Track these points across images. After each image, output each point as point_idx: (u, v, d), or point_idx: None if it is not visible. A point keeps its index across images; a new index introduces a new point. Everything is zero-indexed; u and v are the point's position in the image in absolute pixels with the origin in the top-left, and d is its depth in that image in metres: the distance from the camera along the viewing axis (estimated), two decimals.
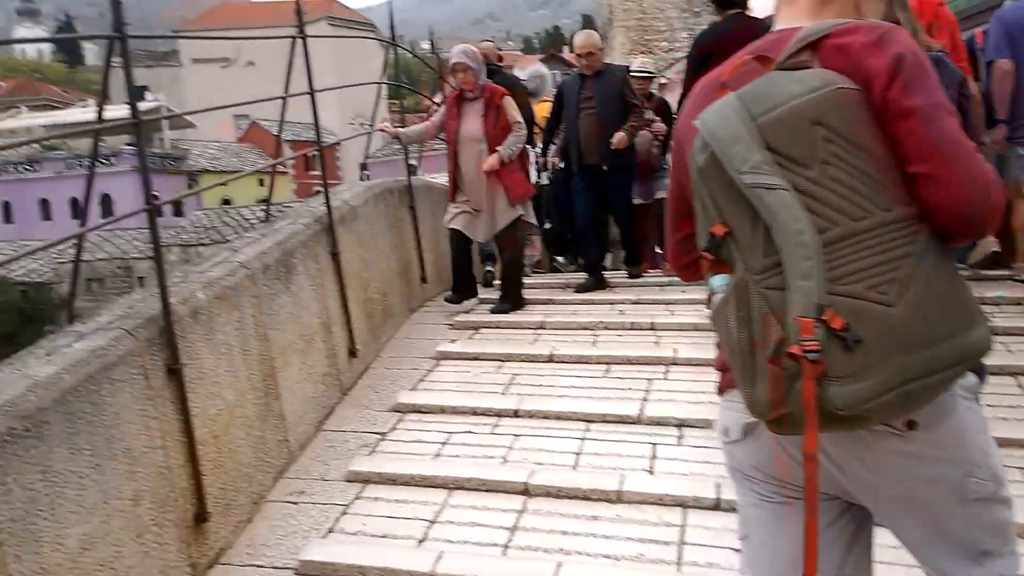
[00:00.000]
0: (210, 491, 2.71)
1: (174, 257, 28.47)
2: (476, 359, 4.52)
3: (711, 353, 4.60)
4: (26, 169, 35.70)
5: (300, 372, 3.61)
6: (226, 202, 34.26)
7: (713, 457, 3.27)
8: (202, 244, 28.45)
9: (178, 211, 34.91)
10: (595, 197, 5.83)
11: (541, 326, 5.06)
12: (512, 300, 5.38)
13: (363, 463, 3.33)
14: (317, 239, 4.06)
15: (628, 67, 6.49)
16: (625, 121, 5.66)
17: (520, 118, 5.27)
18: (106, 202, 32.62)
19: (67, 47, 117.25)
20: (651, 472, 3.21)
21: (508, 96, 5.29)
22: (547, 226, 6.40)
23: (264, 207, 4.57)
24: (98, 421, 2.23)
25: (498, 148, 5.10)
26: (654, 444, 3.43)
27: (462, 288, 5.40)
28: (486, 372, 4.34)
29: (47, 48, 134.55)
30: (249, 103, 4.44)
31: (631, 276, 6.18)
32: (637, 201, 6.66)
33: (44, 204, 35.52)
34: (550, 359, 4.45)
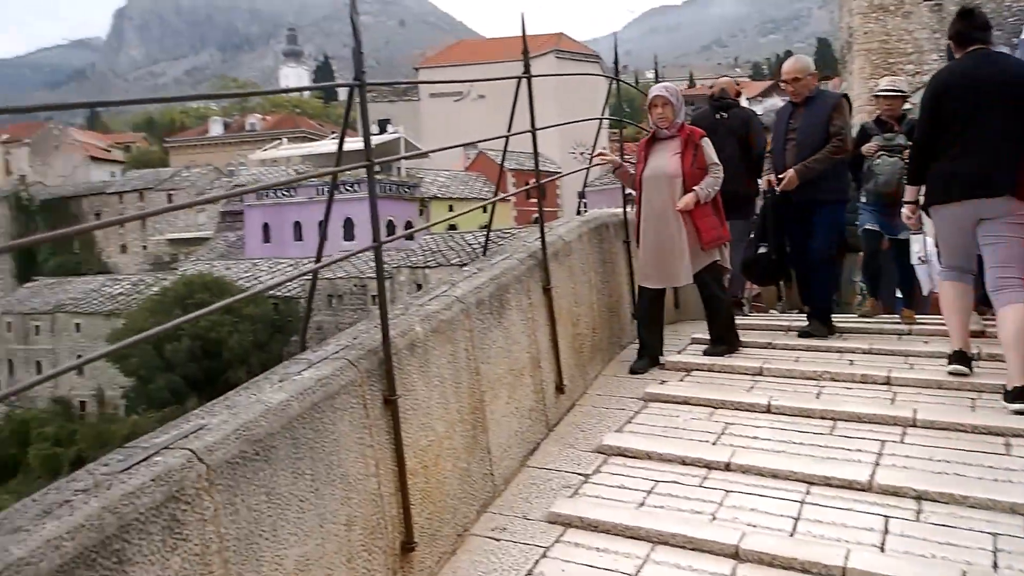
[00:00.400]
0: (417, 520, 2.78)
1: (403, 277, 30.49)
2: (686, 403, 4.34)
3: (959, 416, 4.10)
4: (284, 195, 39.86)
5: (507, 406, 3.64)
6: (452, 228, 36.19)
7: (959, 538, 2.88)
8: (428, 267, 30.22)
9: (409, 235, 37.39)
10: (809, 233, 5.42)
11: (759, 372, 4.76)
12: (727, 342, 5.12)
13: (565, 505, 3.28)
14: (530, 274, 4.10)
15: (844, 94, 5.95)
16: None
17: (717, 160, 4.97)
18: (348, 225, 35.63)
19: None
20: (882, 549, 2.87)
21: (707, 137, 5.03)
22: (762, 250, 5.93)
23: (485, 233, 4.71)
24: (319, 447, 2.36)
25: (695, 188, 4.84)
26: (886, 517, 3.07)
27: (649, 352, 5.00)
28: (696, 419, 4.15)
29: (307, 84, 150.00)
30: (475, 143, 4.64)
31: (809, 334, 5.42)
32: (872, 227, 6.07)
33: (297, 226, 39.44)
34: (767, 409, 4.17)
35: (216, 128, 72.02)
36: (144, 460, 1.87)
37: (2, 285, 45.21)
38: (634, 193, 6.41)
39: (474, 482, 3.24)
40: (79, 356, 34.45)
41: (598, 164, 5.47)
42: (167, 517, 1.78)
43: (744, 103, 7.68)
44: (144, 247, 48.98)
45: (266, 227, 41.13)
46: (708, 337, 5.25)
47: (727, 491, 3.36)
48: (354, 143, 3.47)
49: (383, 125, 44.25)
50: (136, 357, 28.37)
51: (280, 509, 2.15)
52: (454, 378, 3.21)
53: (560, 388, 4.21)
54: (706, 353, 5.08)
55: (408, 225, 38.18)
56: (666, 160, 4.92)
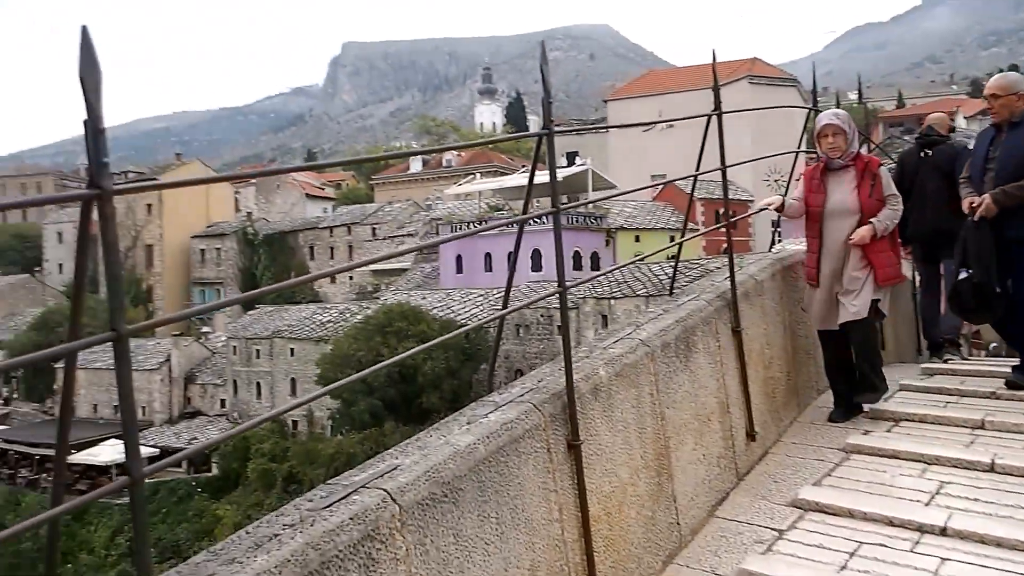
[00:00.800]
0: (601, 568, 2.75)
1: (588, 308, 30.58)
2: (894, 457, 4.00)
3: None
4: (476, 227, 41.47)
5: (694, 453, 3.53)
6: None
7: None
8: (614, 297, 30.11)
9: (596, 266, 37.53)
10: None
11: (980, 426, 4.31)
12: (880, 388, 4.61)
13: (757, 563, 3.11)
14: (719, 315, 3.98)
15: None
16: None
17: (896, 191, 4.54)
18: (536, 256, 36.33)
19: (514, 119, 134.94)
20: None
21: (884, 167, 4.62)
22: (964, 275, 5.25)
23: (671, 263, 4.63)
24: (504, 491, 2.40)
25: (872, 220, 4.44)
26: None
27: (845, 400, 4.65)
28: (906, 475, 3.81)
29: (499, 120, 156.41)
30: (664, 183, 4.55)
31: (1015, 385, 4.82)
32: None
33: (487, 257, 40.77)
34: (991, 468, 3.76)
35: (416, 165, 76.35)
36: (343, 498, 1.99)
37: (230, 313, 50.25)
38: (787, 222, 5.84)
39: (659, 531, 3.16)
40: (292, 378, 37.15)
41: (763, 208, 5.07)
42: (363, 555, 1.87)
43: (962, 123, 7.06)
44: (351, 278, 52.58)
45: (459, 259, 42.82)
46: (916, 384, 4.84)
47: (943, 559, 3.05)
48: (544, 176, 3.53)
49: (571, 157, 44.93)
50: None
51: (467, 551, 2.20)
52: (638, 423, 3.16)
53: (751, 435, 4.02)
54: (859, 401, 4.63)
55: (594, 256, 38.35)
56: (844, 193, 4.57)
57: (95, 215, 1.58)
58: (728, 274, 4.15)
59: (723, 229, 4.45)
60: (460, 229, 41.99)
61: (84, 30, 1.44)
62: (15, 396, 51.45)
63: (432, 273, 45.53)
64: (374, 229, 54.23)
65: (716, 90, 3.91)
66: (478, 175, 55.54)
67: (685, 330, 3.64)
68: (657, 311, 3.83)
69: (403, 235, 51.65)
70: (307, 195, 74.69)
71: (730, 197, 4.58)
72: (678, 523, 3.30)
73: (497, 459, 2.40)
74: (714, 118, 4.08)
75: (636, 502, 3.06)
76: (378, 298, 41.46)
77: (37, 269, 67.97)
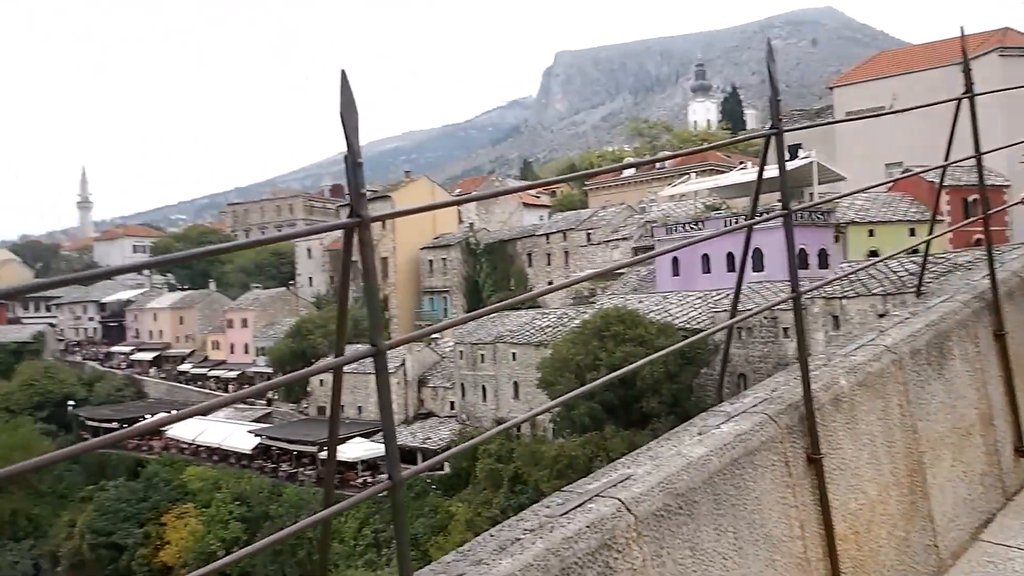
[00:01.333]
0: None
1: (817, 309, 28.81)
2: None
3: None
4: (692, 228, 40.53)
5: (953, 470, 3.22)
6: (873, 254, 33.29)
7: None
8: (846, 297, 28.15)
9: (823, 264, 35.31)
10: None
11: None
12: None
13: None
14: (977, 318, 3.60)
15: None
16: None
17: None
18: (757, 255, 34.82)
19: (730, 114, 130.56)
20: None
21: None
22: None
23: (913, 259, 4.25)
24: (741, 504, 2.33)
25: None
26: None
27: None
28: None
29: (714, 117, 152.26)
30: (905, 176, 4.19)
31: None
32: None
33: (705, 259, 39.69)
34: None
35: (628, 169, 76.14)
36: (579, 506, 2.03)
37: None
38: None
39: (914, 554, 2.92)
40: (515, 382, 38.49)
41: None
42: (601, 564, 1.90)
43: None
44: None
45: (675, 261, 42.08)
46: None
47: None
48: (769, 170, 3.39)
49: (794, 151, 42.57)
50: (562, 385, 30.98)
51: (704, 565, 2.16)
52: (886, 436, 2.93)
53: (1020, 451, 3.60)
54: None
55: (822, 254, 36.06)
56: None
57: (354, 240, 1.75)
58: (987, 271, 3.75)
59: (975, 211, 4.01)
60: (676, 231, 41.28)
61: (343, 75, 1.59)
62: (275, 397, 57.62)
63: (648, 276, 45.11)
64: (589, 234, 54.75)
65: (967, 71, 3.54)
66: (693, 175, 54.31)
67: (938, 335, 3.33)
68: (903, 314, 3.53)
69: (617, 239, 51.66)
70: (523, 204, 76.98)
71: (983, 185, 4.14)
72: (936, 546, 3.02)
73: (732, 471, 2.34)
74: (964, 100, 3.70)
75: (887, 521, 2.84)
76: (594, 303, 41.76)
77: (291, 283, 75.82)
